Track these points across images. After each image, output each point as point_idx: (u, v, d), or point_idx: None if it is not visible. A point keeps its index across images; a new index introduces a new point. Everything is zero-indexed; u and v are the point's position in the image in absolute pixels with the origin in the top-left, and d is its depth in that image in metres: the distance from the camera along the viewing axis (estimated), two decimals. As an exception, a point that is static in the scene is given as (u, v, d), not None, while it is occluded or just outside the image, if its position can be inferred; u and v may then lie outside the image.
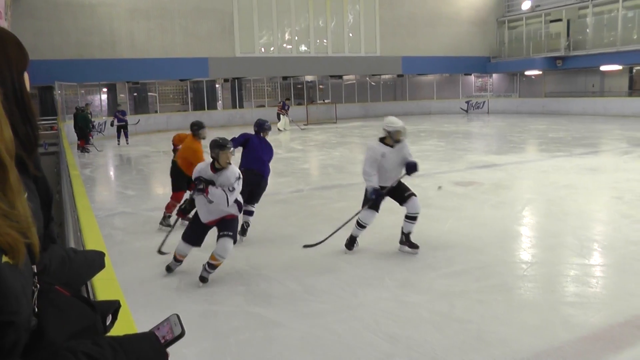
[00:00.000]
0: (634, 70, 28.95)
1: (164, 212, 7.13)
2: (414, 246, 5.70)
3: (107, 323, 1.23)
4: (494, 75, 33.37)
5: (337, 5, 28.12)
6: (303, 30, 27.88)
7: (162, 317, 1.17)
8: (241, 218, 5.72)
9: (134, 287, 4.81)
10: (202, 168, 5.10)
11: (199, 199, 5.02)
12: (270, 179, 6.80)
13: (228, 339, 3.94)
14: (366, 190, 5.74)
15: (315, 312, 4.31)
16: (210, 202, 4.89)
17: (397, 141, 5.82)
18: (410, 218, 5.70)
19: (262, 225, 6.94)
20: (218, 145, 4.98)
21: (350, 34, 28.77)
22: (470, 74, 33.03)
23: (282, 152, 14.90)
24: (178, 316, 1.19)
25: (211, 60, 25.38)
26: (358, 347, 3.73)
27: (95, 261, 1.50)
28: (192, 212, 5.49)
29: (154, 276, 5.22)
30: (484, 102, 32.05)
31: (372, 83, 31.77)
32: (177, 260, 5.26)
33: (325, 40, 28.23)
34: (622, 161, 12.13)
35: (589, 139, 16.75)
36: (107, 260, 1.58)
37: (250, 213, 6.51)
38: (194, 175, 5.08)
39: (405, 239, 5.75)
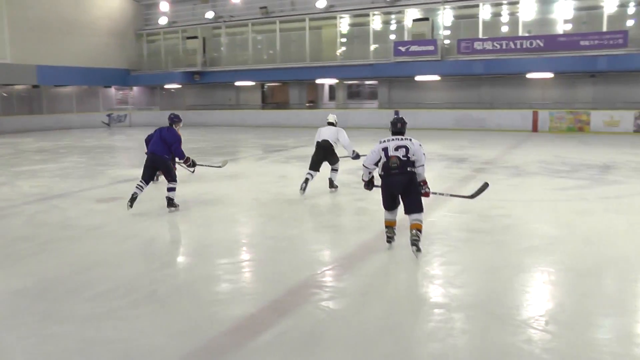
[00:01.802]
0: (266, 86, 32.12)
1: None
2: None
3: None
4: (135, 88, 33.39)
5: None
6: None
7: None
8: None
9: None
10: None
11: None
12: None
13: None
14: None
15: None
16: None
17: None
18: None
19: None
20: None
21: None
22: (111, 87, 32.37)
23: None
24: None
25: None
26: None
27: None
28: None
29: None
30: (126, 115, 31.81)
31: (4, 94, 28.41)
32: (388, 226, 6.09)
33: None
34: (258, 166, 13.37)
35: (228, 148, 17.95)
36: None
37: (173, 189, 8.17)
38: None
39: None
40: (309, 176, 9.42)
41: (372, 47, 26.33)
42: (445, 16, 24.94)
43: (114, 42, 31.20)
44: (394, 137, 5.95)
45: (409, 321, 4.20)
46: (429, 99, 26.77)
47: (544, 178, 11.17)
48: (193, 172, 8.89)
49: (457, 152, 15.90)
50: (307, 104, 30.87)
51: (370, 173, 6.14)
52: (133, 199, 7.90)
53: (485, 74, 24.62)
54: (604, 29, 22.08)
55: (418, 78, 25.78)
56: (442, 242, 6.49)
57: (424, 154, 5.87)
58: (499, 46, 23.20)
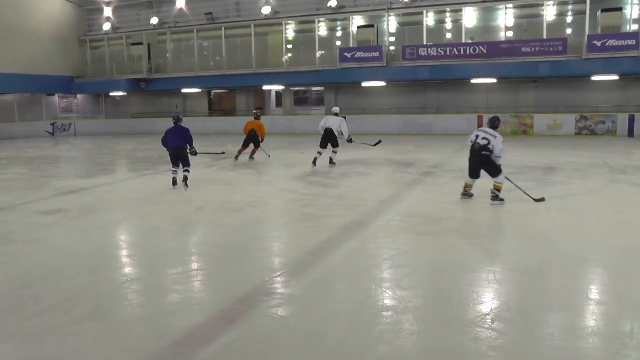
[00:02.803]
0: (212, 93, 31.84)
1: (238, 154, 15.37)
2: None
3: None
4: (79, 96, 32.52)
5: None
6: None
7: None
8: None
9: None
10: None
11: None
12: None
13: None
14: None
15: None
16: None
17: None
18: None
19: None
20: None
21: None
22: (54, 94, 31.44)
23: None
24: None
25: None
26: None
27: None
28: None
29: None
30: (70, 124, 30.95)
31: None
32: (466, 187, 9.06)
33: None
34: (205, 174, 13.15)
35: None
36: None
37: (188, 171, 10.76)
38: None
39: None
40: (317, 155, 13.52)
41: (318, 53, 26.46)
42: (390, 23, 25.28)
43: (56, 48, 30.26)
44: (486, 130, 8.71)
45: (357, 325, 4.22)
46: (375, 105, 27.08)
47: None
48: (195, 154, 11.14)
49: (404, 156, 16.13)
50: (254, 111, 30.74)
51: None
52: (174, 182, 10.73)
53: (430, 80, 25.06)
54: (544, 36, 22.81)
55: (364, 84, 26.03)
56: (390, 245, 6.56)
57: (501, 149, 8.62)
58: (443, 52, 23.65)
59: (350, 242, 6.67)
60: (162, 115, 31.25)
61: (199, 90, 30.27)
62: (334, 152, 13.76)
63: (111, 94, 32.09)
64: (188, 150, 10.82)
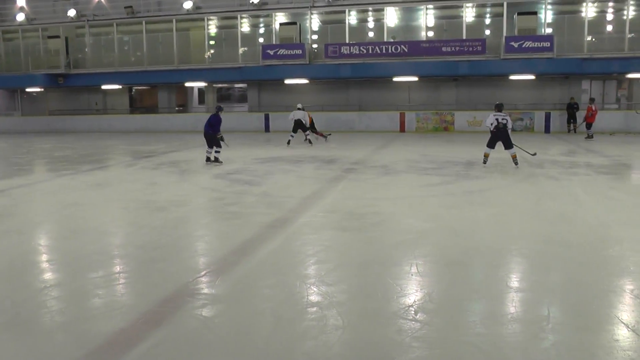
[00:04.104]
0: (134, 90, 31.00)
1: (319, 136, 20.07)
2: None
3: None
4: (-7, 92, 30.92)
5: None
6: None
7: None
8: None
9: None
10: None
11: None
12: None
13: None
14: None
15: None
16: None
17: None
18: None
19: None
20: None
21: None
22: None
23: None
24: None
25: None
26: None
27: None
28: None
29: None
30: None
31: None
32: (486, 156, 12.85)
33: None
34: (127, 173, 12.93)
35: (94, 156, 17.18)
36: None
37: (218, 152, 13.88)
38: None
39: None
40: (290, 137, 18.62)
41: (241, 50, 26.28)
42: (312, 21, 25.41)
43: (-36, 40, 28.61)
44: (500, 113, 12.31)
45: (283, 322, 4.23)
46: (298, 102, 27.11)
47: (412, 176, 11.70)
48: (222, 139, 13.82)
49: (327, 153, 16.27)
50: (177, 108, 30.24)
51: (489, 129, 12.42)
52: (208, 159, 13.88)
53: (353, 78, 25.38)
54: (464, 36, 23.54)
55: (287, 81, 26.08)
56: (314, 242, 6.61)
57: (512, 122, 12.73)
58: (365, 51, 23.99)
59: (275, 239, 6.67)
60: (82, 112, 30.25)
61: (120, 86, 29.44)
62: (307, 134, 18.92)
63: (27, 89, 30.70)
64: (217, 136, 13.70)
